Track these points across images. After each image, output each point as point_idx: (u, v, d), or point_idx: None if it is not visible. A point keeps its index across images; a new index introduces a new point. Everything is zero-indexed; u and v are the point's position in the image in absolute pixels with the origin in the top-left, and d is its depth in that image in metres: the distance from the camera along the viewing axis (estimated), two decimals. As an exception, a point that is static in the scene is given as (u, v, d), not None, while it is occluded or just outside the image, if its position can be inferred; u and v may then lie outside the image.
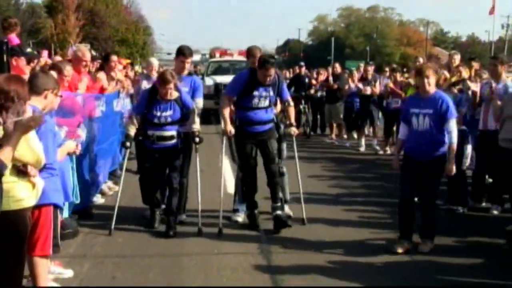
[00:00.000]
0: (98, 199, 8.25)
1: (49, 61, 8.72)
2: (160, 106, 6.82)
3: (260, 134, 7.12)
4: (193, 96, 7.34)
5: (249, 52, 7.63)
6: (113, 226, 6.76)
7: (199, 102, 7.45)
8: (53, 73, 5.82)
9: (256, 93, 6.98)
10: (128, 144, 6.96)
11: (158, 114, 6.83)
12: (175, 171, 7.03)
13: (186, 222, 7.29)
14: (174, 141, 6.94)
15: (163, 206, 7.19)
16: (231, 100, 7.19)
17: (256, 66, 7.01)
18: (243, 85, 7.02)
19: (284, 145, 7.72)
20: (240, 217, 7.49)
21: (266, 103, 7.08)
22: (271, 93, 7.10)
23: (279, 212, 7.07)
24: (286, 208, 7.51)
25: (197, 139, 7.02)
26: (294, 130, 7.50)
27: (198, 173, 7.15)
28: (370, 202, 8.57)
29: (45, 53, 10.06)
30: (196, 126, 7.06)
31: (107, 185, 8.82)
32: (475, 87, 7.99)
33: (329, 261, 6.03)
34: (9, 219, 3.92)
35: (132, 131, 6.94)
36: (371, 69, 14.20)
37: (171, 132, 6.92)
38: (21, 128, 3.61)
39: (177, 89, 6.89)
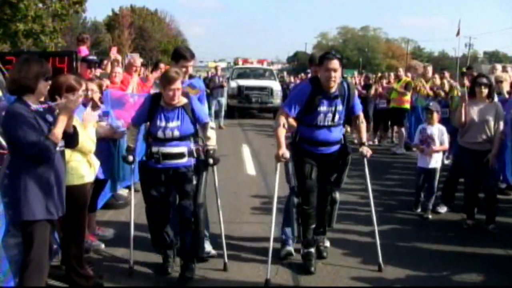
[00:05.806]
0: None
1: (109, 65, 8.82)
2: (165, 114, 4.34)
3: (324, 156, 4.70)
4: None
5: (312, 60, 5.13)
6: (131, 261, 4.52)
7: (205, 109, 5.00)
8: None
9: (321, 108, 4.56)
10: (130, 158, 4.49)
11: (163, 124, 4.32)
12: (188, 198, 4.37)
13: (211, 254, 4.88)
14: (184, 160, 4.36)
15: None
16: (288, 118, 4.63)
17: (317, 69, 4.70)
18: (305, 101, 4.55)
19: (346, 172, 4.87)
20: (292, 249, 4.95)
21: (335, 119, 4.62)
22: (339, 106, 4.61)
23: (320, 242, 5.01)
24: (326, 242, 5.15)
25: (211, 160, 4.43)
26: (367, 150, 4.77)
27: (218, 200, 4.76)
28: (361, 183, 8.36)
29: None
30: (211, 142, 4.51)
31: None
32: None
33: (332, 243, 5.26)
34: (73, 192, 3.91)
35: (133, 143, 4.57)
36: (371, 76, 14.12)
37: (180, 148, 4.35)
38: (61, 109, 3.31)
39: (186, 95, 4.48)
